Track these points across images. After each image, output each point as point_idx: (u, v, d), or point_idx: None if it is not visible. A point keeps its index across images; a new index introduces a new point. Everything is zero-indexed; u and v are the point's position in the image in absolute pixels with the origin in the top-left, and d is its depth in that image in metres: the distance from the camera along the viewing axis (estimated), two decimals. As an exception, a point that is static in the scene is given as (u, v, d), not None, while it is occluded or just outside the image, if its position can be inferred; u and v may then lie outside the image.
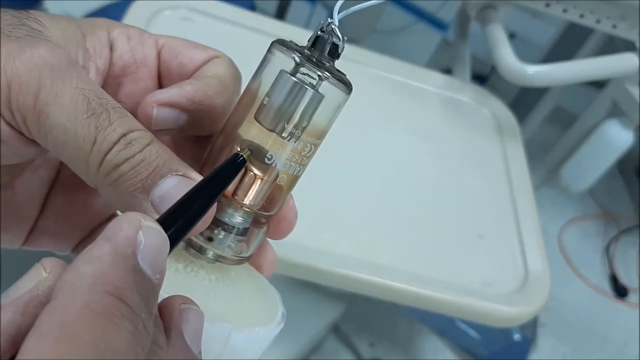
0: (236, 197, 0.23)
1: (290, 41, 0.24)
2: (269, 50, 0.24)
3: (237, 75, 0.27)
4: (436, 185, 0.63)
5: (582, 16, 0.70)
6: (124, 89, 0.26)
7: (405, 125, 0.68)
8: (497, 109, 0.76)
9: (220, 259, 0.24)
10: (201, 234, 0.23)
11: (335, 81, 0.23)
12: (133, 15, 0.63)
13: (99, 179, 0.21)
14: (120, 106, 0.21)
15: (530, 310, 0.54)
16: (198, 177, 0.22)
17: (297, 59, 0.23)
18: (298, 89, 0.22)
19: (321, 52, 0.24)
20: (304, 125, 0.23)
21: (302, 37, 0.82)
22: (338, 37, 0.23)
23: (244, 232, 0.24)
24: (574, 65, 0.69)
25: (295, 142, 0.23)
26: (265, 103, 0.23)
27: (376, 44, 1.48)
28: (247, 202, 0.24)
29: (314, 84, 0.23)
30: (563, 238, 1.78)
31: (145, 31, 0.27)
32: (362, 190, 0.59)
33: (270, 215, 0.25)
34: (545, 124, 1.86)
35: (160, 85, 0.27)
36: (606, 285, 1.71)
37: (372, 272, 0.51)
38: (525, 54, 0.82)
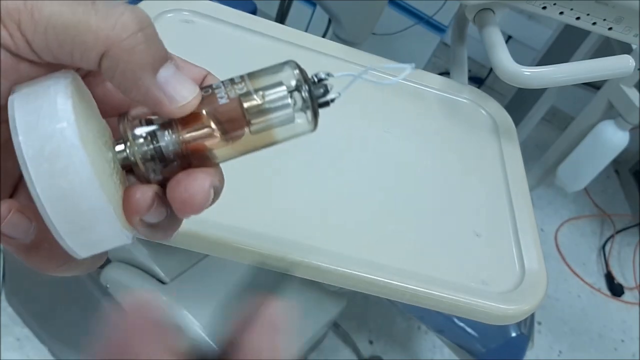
0: (183, 125, 0.25)
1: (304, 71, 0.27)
2: (285, 64, 0.26)
3: None
4: (434, 185, 0.64)
5: (578, 18, 0.71)
6: None
7: (403, 125, 0.69)
8: (494, 110, 0.77)
9: (125, 159, 0.25)
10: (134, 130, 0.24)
11: (311, 118, 0.27)
12: (136, 18, 0.64)
13: (110, 55, 0.21)
14: None
15: (526, 308, 0.54)
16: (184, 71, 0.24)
17: (297, 82, 0.26)
18: (284, 96, 0.25)
19: (316, 93, 0.27)
20: (263, 121, 0.25)
21: (302, 39, 0.82)
22: (332, 99, 0.28)
23: (162, 157, 0.25)
24: (570, 67, 0.70)
25: (247, 130, 0.25)
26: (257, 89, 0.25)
27: (375, 46, 1.49)
28: (185, 134, 0.25)
29: (296, 104, 0.26)
30: (559, 237, 1.79)
31: None
32: (360, 190, 0.60)
33: (188, 162, 0.25)
34: (542, 125, 1.87)
35: None
36: (602, 284, 1.72)
37: (371, 271, 0.52)
38: (522, 56, 0.83)
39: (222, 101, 0.25)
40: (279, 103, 0.25)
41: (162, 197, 0.25)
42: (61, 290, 1.03)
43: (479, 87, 1.02)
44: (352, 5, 1.01)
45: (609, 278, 1.71)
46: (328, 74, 0.27)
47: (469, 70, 1.55)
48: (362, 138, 0.65)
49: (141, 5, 0.65)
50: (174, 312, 0.82)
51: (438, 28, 1.68)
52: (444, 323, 0.98)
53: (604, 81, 1.11)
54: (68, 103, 0.22)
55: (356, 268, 0.51)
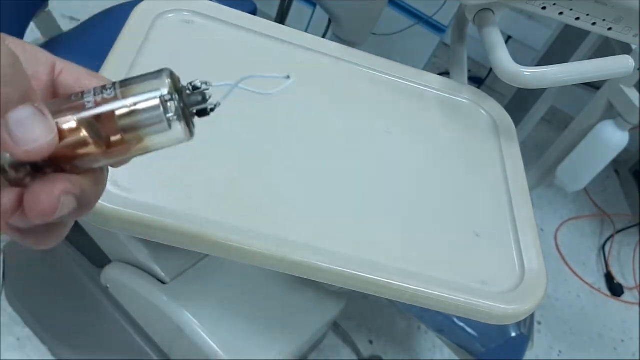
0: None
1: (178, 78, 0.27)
2: (159, 71, 0.26)
3: None
4: (433, 185, 0.64)
5: (577, 19, 0.71)
6: None
7: (403, 125, 0.70)
8: (494, 110, 0.77)
9: None
10: None
11: (184, 126, 0.26)
12: (136, 18, 0.64)
13: None
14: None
15: (526, 308, 0.55)
16: (48, 114, 0.23)
17: (169, 90, 0.25)
18: (156, 105, 0.25)
19: (193, 101, 0.27)
20: (132, 128, 0.25)
21: (302, 39, 0.82)
22: (212, 108, 0.27)
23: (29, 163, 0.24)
24: (569, 67, 0.70)
25: (116, 138, 0.25)
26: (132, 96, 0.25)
27: (375, 46, 1.49)
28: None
29: (168, 113, 0.25)
30: (559, 237, 1.79)
31: (41, 50, 0.29)
32: (360, 190, 0.60)
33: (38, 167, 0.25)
34: (542, 125, 1.88)
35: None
36: (602, 284, 1.72)
37: (371, 271, 0.52)
38: (522, 56, 0.83)
39: (89, 107, 0.25)
40: (151, 112, 0.25)
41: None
42: (62, 290, 1.04)
43: (478, 87, 1.02)
44: (352, 5, 1.01)
45: (609, 278, 1.71)
46: (206, 83, 0.27)
47: (469, 70, 1.55)
48: (361, 138, 0.65)
49: (141, 5, 0.65)
50: (174, 312, 0.82)
51: (438, 28, 1.68)
52: (444, 323, 0.98)
53: (604, 81, 1.11)
54: None
55: (356, 268, 0.51)
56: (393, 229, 0.58)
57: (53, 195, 0.24)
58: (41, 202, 0.24)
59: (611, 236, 1.84)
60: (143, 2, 0.66)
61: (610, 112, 1.08)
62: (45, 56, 0.28)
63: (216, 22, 0.69)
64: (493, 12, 0.74)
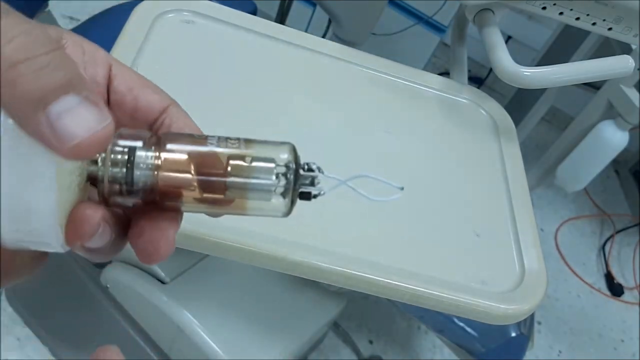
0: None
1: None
2: (283, 143, 0.26)
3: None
4: (434, 185, 0.64)
5: (577, 19, 0.71)
6: None
7: (403, 125, 0.70)
8: (494, 110, 0.77)
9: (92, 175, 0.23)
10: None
11: (288, 204, 0.26)
12: (137, 17, 0.64)
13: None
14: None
15: (526, 308, 0.55)
16: (101, 104, 0.20)
17: (287, 164, 0.26)
18: (270, 170, 0.25)
19: (302, 182, 0.26)
20: (241, 186, 0.25)
21: (302, 39, 0.82)
22: (316, 195, 0.27)
23: (130, 184, 0.23)
24: (569, 67, 0.70)
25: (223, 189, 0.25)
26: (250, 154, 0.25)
27: (375, 46, 1.49)
28: (163, 173, 0.23)
29: (278, 185, 0.25)
30: (559, 237, 1.79)
31: (100, 48, 0.27)
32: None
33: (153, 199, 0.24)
34: (542, 125, 1.88)
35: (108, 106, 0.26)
36: (602, 284, 1.72)
37: (371, 271, 0.52)
38: (522, 56, 0.83)
39: (210, 143, 0.24)
40: (263, 175, 0.25)
41: (109, 222, 0.23)
42: (62, 290, 1.04)
43: (478, 87, 1.02)
44: (352, 5, 1.01)
45: (609, 278, 1.71)
46: (319, 169, 0.27)
47: (469, 70, 1.55)
48: (361, 137, 0.65)
49: (141, 5, 0.65)
50: (174, 312, 0.82)
51: (438, 28, 1.68)
52: (444, 323, 0.98)
53: (604, 81, 1.11)
54: None
55: (356, 268, 0.51)
56: (393, 228, 0.58)
57: (169, 239, 0.23)
58: (159, 248, 0.23)
59: (611, 236, 1.84)
60: (143, 2, 0.66)
61: (610, 112, 1.08)
62: (104, 56, 0.26)
63: (216, 22, 0.69)
64: (493, 12, 0.74)
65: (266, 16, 0.77)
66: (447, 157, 0.69)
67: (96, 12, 1.01)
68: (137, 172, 0.23)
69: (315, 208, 0.57)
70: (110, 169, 0.23)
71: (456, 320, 0.97)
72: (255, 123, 0.61)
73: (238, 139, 0.25)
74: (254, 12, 1.19)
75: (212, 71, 0.63)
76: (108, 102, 0.26)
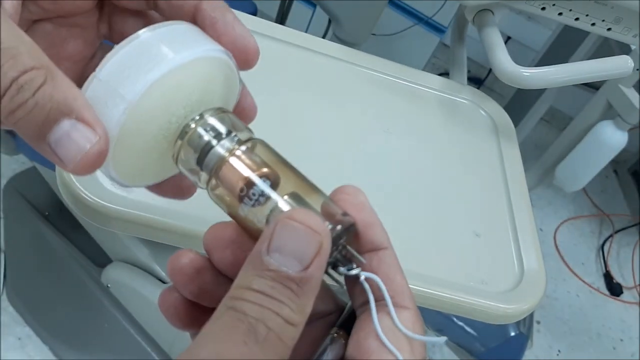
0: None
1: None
2: (346, 216, 0.26)
3: None
4: (433, 185, 0.64)
5: (577, 19, 0.72)
6: None
7: (403, 125, 0.70)
8: (493, 110, 0.77)
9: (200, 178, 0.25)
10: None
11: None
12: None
13: (3, 123, 0.21)
14: (13, 43, 0.20)
15: (525, 307, 0.55)
16: (92, 119, 0.22)
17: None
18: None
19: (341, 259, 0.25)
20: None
21: (302, 39, 0.82)
22: (348, 275, 0.25)
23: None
24: (569, 67, 0.70)
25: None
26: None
27: (375, 46, 1.49)
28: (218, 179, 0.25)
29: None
30: (558, 237, 1.80)
31: None
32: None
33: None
34: (541, 125, 1.88)
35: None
36: (601, 284, 1.72)
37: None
38: (521, 56, 0.83)
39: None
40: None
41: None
42: (62, 290, 1.04)
43: (478, 88, 1.02)
44: (352, 5, 1.02)
45: (608, 278, 1.72)
46: (360, 269, 0.25)
47: (469, 71, 1.55)
48: (361, 138, 0.66)
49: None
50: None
51: (438, 29, 1.69)
52: (443, 322, 0.98)
53: (603, 81, 1.12)
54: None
55: (356, 268, 0.51)
56: (393, 229, 0.58)
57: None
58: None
59: (610, 236, 1.84)
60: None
61: (610, 112, 1.08)
62: None
63: (217, 22, 0.69)
64: (492, 12, 0.75)
65: (266, 16, 0.77)
66: (447, 157, 0.69)
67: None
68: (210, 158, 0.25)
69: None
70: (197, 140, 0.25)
71: (456, 320, 0.98)
72: (255, 123, 0.61)
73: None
74: (254, 12, 1.19)
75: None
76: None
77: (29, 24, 0.26)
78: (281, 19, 1.38)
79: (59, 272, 1.01)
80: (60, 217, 1.00)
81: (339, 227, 0.24)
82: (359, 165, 0.62)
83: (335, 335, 0.25)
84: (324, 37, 1.29)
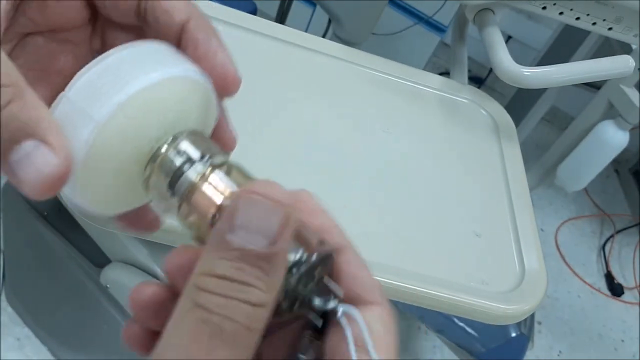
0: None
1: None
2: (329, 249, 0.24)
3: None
4: (434, 185, 0.64)
5: (578, 19, 0.71)
6: None
7: (403, 125, 0.69)
8: (494, 110, 0.77)
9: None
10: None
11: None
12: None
13: None
14: None
15: (526, 308, 0.55)
16: (55, 142, 0.21)
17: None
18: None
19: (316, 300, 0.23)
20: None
21: (302, 39, 0.82)
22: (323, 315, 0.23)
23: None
24: (570, 67, 0.70)
25: None
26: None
27: (375, 46, 1.49)
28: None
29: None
30: (559, 237, 1.79)
31: None
32: (360, 190, 0.60)
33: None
34: (542, 125, 1.88)
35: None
36: (602, 284, 1.72)
37: (371, 271, 0.52)
38: (522, 56, 0.83)
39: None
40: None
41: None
42: (62, 290, 1.03)
43: (479, 87, 1.02)
44: (352, 5, 1.01)
45: (609, 278, 1.71)
46: (337, 302, 0.23)
47: (469, 70, 1.54)
48: (361, 138, 0.65)
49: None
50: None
51: (438, 28, 1.68)
52: (444, 323, 0.98)
53: (604, 81, 1.11)
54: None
55: (356, 268, 0.51)
56: (393, 228, 0.58)
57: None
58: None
59: (611, 236, 1.84)
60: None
61: (611, 112, 1.08)
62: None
63: (216, 22, 0.69)
64: (493, 12, 0.74)
65: (266, 16, 0.77)
66: (447, 157, 0.68)
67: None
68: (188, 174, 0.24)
69: (315, 208, 0.57)
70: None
71: (456, 320, 0.97)
72: (255, 123, 0.61)
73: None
74: (254, 12, 1.19)
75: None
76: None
77: (20, 37, 0.26)
78: (281, 18, 1.38)
79: (57, 273, 1.01)
80: (59, 217, 1.00)
81: (314, 256, 0.22)
82: (359, 165, 0.62)
83: (310, 336, 0.24)
84: (324, 36, 1.29)
